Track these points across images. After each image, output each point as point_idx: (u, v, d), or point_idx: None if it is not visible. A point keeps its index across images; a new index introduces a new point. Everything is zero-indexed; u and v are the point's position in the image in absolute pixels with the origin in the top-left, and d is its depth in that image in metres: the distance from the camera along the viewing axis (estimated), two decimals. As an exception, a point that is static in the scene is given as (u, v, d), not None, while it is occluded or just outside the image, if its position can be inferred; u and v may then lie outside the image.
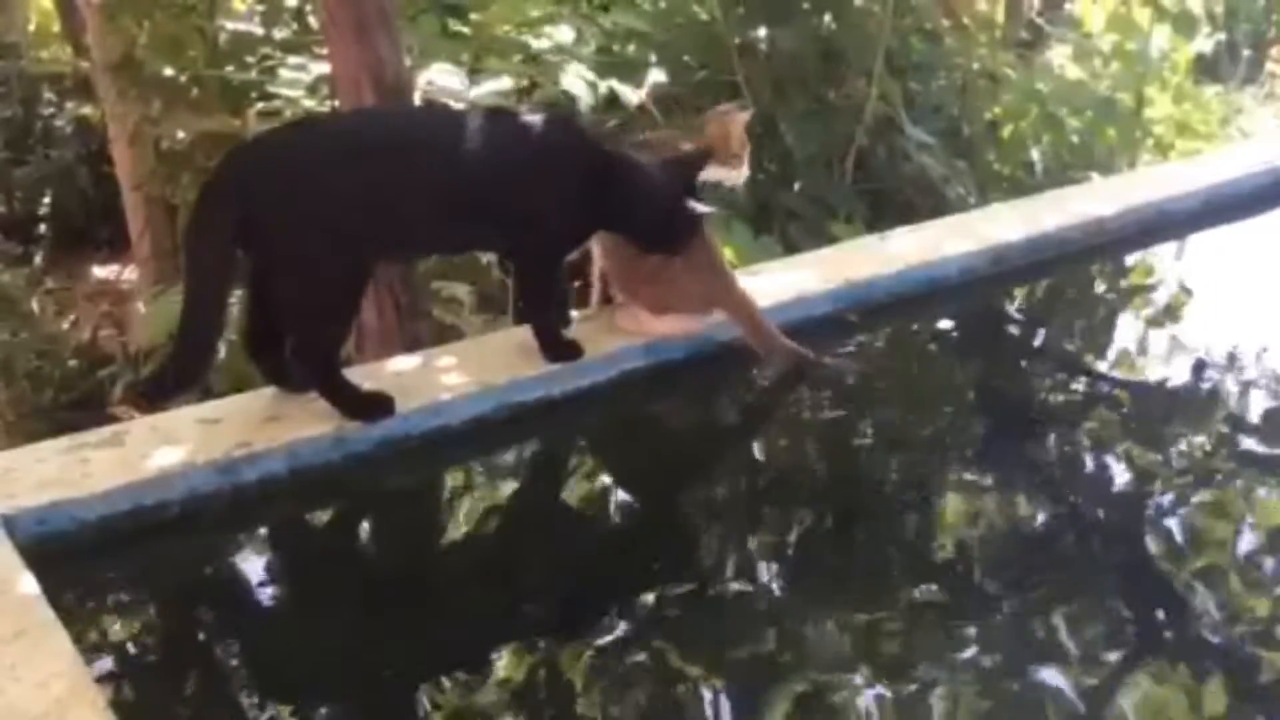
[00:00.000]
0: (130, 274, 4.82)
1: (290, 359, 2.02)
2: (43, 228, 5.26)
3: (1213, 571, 1.84)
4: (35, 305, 4.36)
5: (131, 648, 1.70)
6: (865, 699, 1.56)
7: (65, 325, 4.68)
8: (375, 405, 2.01)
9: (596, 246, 2.29)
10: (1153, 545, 1.91)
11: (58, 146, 5.31)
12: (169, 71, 3.88)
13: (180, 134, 3.87)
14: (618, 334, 2.26)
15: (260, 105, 3.68)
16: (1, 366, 3.92)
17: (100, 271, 5.31)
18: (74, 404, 4.06)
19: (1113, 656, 1.66)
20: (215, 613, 1.81)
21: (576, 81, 3.13)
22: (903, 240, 2.69)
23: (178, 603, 1.81)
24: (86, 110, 4.99)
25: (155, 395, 1.97)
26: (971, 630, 1.69)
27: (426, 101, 2.82)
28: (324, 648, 1.72)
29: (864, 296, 2.46)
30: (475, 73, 3.28)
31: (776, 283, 2.42)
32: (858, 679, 1.59)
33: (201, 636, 1.78)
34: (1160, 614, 1.76)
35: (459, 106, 2.02)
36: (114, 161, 4.32)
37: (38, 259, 5.23)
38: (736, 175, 2.28)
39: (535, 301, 2.21)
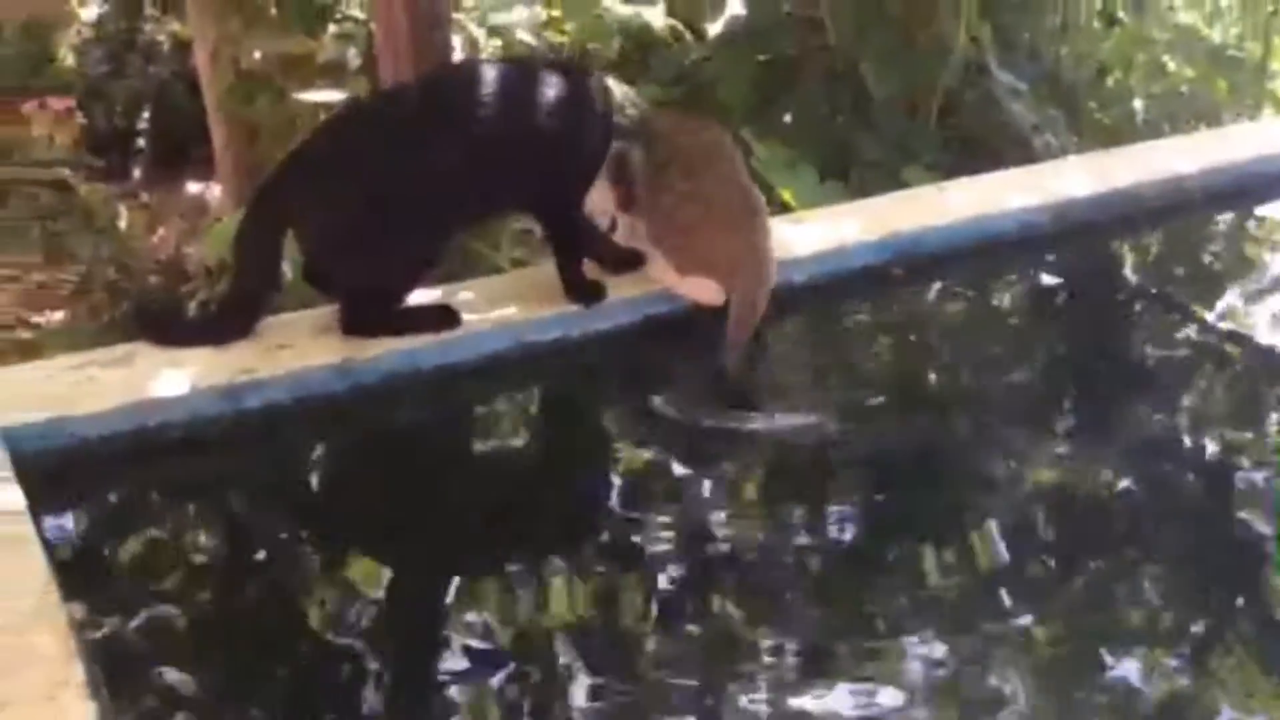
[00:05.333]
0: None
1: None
2: (141, 143, 5.36)
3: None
4: (123, 220, 4.45)
5: (115, 567, 1.72)
6: (924, 660, 1.52)
7: (154, 240, 4.78)
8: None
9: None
10: (1240, 525, 1.80)
11: (157, 63, 5.39)
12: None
13: (257, 54, 3.89)
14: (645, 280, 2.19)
15: (334, 28, 3.68)
16: (80, 278, 4.03)
17: (194, 188, 5.40)
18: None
19: (1188, 640, 1.59)
20: (206, 535, 1.82)
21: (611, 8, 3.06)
22: (961, 191, 2.55)
23: (167, 522, 1.83)
24: (177, 27, 5.06)
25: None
26: (1038, 602, 1.62)
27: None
28: (315, 576, 1.73)
29: (911, 249, 2.34)
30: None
31: (817, 232, 2.33)
32: (915, 640, 1.55)
33: (189, 557, 1.78)
34: (1243, 599, 1.66)
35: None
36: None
37: (136, 174, 5.34)
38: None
39: (565, 244, 2.18)
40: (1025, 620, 1.60)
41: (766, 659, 1.55)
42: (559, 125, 2.10)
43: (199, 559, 1.78)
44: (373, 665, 1.55)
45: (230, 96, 3.94)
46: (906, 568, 1.70)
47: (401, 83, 2.47)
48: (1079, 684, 1.50)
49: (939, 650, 1.54)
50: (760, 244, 2.09)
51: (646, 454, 2.00)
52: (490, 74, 2.16)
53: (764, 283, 2.07)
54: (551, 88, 2.11)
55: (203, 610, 1.66)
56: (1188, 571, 1.71)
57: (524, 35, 2.99)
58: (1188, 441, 2.05)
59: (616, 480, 1.93)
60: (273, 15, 3.83)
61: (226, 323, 2.03)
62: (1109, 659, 1.53)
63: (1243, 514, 1.83)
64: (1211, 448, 2.02)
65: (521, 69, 2.25)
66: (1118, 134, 3.98)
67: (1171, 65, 4.14)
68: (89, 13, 5.71)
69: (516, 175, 2.10)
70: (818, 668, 1.53)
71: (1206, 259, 2.71)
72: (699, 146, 2.16)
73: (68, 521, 1.74)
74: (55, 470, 1.74)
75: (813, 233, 2.31)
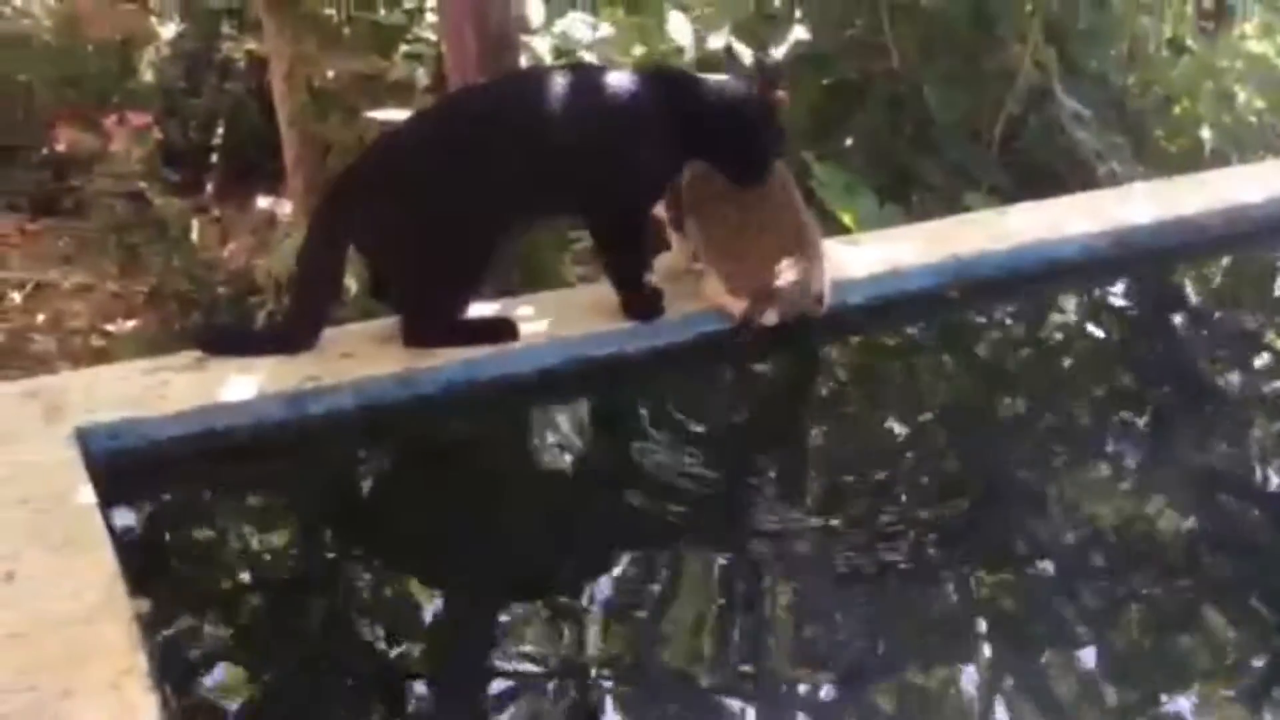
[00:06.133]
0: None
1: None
2: (214, 158, 5.48)
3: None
4: (196, 232, 4.55)
5: (177, 564, 1.77)
6: (977, 690, 1.52)
7: (225, 253, 4.88)
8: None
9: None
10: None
11: (232, 80, 5.51)
12: (326, 10, 4.01)
13: (330, 73, 3.97)
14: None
15: (405, 48, 3.76)
16: (152, 289, 4.13)
17: (264, 203, 5.50)
18: (222, 328, 4.22)
19: (1247, 674, 1.57)
20: (268, 536, 1.87)
21: (680, 31, 3.08)
22: (1022, 216, 2.55)
23: (231, 523, 1.87)
24: (252, 46, 5.18)
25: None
26: (1093, 632, 1.62)
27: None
28: (369, 580, 1.76)
29: (968, 273, 2.34)
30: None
31: (874, 254, 2.33)
32: (968, 671, 1.55)
33: (249, 558, 1.83)
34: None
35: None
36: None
37: (209, 188, 5.46)
38: None
39: (626, 258, 2.19)
40: (1082, 652, 1.59)
41: (815, 680, 1.56)
42: (618, 133, 2.10)
43: (259, 560, 1.83)
44: (423, 675, 1.59)
45: (303, 114, 4.03)
46: (960, 594, 1.70)
47: (455, 92, 2.48)
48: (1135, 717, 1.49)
49: (992, 680, 1.54)
50: (811, 271, 2.11)
51: (694, 468, 2.01)
52: (550, 80, 2.15)
53: (809, 302, 2.10)
54: (613, 94, 2.10)
55: (260, 611, 1.71)
56: (1248, 604, 1.69)
57: (590, 58, 3.03)
58: (1249, 472, 2.03)
59: (667, 496, 1.95)
60: (346, 35, 3.91)
61: (290, 335, 2.07)
62: (1166, 692, 1.52)
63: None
64: (1274, 478, 2.00)
65: (585, 75, 2.22)
66: (1184, 163, 3.94)
67: (1241, 95, 4.10)
68: (168, 30, 5.86)
69: (574, 184, 2.10)
70: (865, 696, 1.54)
71: (1270, 289, 2.67)
72: None
73: (136, 519, 1.79)
74: (125, 469, 1.80)
75: (871, 254, 2.32)
